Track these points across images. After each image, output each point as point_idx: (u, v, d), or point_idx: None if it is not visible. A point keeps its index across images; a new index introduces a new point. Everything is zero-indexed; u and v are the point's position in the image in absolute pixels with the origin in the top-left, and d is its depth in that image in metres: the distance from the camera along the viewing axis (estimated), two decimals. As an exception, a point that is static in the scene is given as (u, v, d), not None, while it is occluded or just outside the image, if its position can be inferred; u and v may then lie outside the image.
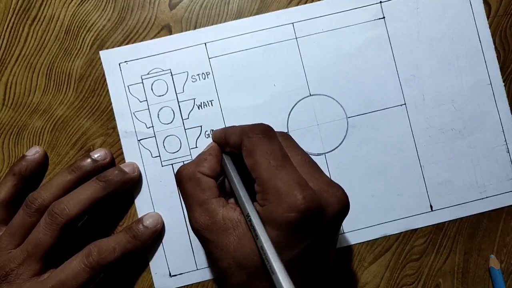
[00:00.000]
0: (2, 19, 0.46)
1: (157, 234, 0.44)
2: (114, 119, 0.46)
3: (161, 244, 0.45)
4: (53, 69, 0.46)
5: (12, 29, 0.46)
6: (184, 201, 0.37)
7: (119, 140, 0.46)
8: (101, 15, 0.46)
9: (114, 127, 0.46)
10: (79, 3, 0.46)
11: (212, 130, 0.45)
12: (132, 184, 0.45)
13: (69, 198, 0.41)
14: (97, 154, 0.44)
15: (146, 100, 0.46)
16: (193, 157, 0.45)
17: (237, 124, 0.44)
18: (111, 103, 0.46)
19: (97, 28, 0.46)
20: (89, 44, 0.46)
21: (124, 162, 0.45)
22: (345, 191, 0.34)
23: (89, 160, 0.44)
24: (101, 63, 0.46)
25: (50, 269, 0.41)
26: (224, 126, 0.45)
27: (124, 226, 0.45)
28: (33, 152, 0.44)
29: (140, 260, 0.45)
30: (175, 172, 0.38)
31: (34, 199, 0.42)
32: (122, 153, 0.46)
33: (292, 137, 0.38)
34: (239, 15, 0.46)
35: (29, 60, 0.46)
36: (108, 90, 0.46)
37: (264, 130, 0.35)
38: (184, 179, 0.36)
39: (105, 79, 0.46)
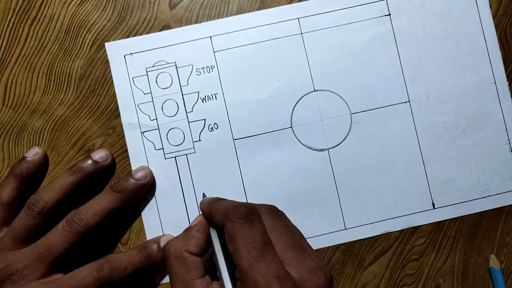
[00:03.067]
0: (2, 19, 0.46)
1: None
2: (114, 119, 0.46)
3: (162, 237, 0.45)
4: (53, 69, 0.46)
5: (12, 29, 0.46)
6: (169, 278, 0.37)
7: (119, 140, 0.46)
8: (101, 15, 0.46)
9: (114, 127, 0.46)
10: (79, 3, 0.46)
11: (204, 195, 0.44)
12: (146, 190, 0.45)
13: (87, 209, 0.42)
14: (98, 155, 0.44)
15: (151, 93, 0.46)
16: (196, 151, 0.45)
17: (242, 117, 0.45)
18: (111, 103, 0.46)
19: (97, 28, 0.46)
20: (89, 44, 0.46)
21: (124, 160, 0.46)
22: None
23: (90, 161, 0.44)
24: (101, 62, 0.46)
25: (55, 273, 0.41)
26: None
27: (124, 221, 0.45)
28: (33, 154, 0.44)
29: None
30: (163, 246, 0.38)
31: (36, 201, 0.41)
32: (122, 153, 0.46)
33: (283, 212, 0.38)
34: (239, 14, 0.46)
35: (29, 60, 0.46)
36: (108, 90, 0.46)
37: (246, 214, 0.34)
38: (170, 257, 0.37)
39: (105, 79, 0.46)
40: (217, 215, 0.36)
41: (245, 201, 0.45)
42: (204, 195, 0.44)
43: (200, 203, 0.40)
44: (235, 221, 0.34)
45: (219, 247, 0.36)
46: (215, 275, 0.37)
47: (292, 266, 0.33)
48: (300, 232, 0.37)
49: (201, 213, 0.40)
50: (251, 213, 0.34)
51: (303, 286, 0.32)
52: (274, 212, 0.37)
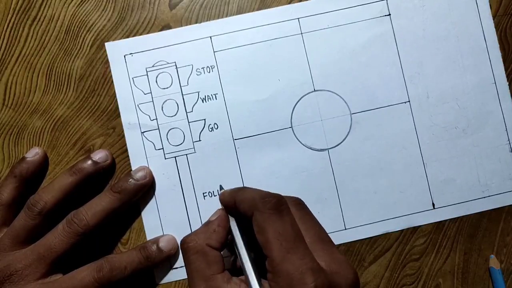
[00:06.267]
0: (2, 19, 0.46)
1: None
2: (114, 119, 0.46)
3: (162, 237, 0.45)
4: (53, 69, 0.46)
5: (12, 29, 0.46)
6: (187, 272, 0.36)
7: (119, 140, 0.46)
8: (101, 15, 0.46)
9: (114, 127, 0.46)
10: (79, 3, 0.46)
11: (222, 188, 0.44)
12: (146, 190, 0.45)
13: (87, 209, 0.42)
14: (98, 156, 0.44)
15: (151, 93, 0.46)
16: (196, 151, 0.45)
17: (242, 117, 0.45)
18: (111, 103, 0.46)
19: (97, 28, 0.46)
20: (89, 44, 0.46)
21: (124, 160, 0.46)
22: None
23: (90, 162, 0.43)
24: (101, 62, 0.46)
25: (54, 273, 0.41)
26: (233, 188, 0.40)
27: (124, 221, 0.45)
28: (33, 154, 0.44)
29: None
30: (180, 240, 0.37)
31: (36, 202, 0.41)
32: (122, 153, 0.46)
33: (306, 204, 0.37)
34: (239, 15, 0.46)
35: (29, 60, 0.46)
36: (108, 90, 0.46)
37: (275, 205, 0.34)
38: (190, 251, 0.36)
39: (105, 79, 0.46)
40: (243, 204, 0.35)
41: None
42: (221, 187, 0.44)
43: (220, 194, 0.39)
44: (264, 212, 0.33)
45: (241, 241, 0.36)
46: (230, 271, 0.37)
47: (321, 259, 0.33)
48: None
49: (221, 206, 0.39)
50: (281, 203, 0.34)
51: (334, 279, 0.32)
52: (300, 204, 0.37)
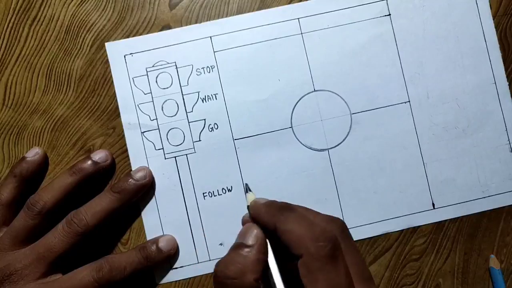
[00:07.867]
0: (2, 19, 0.46)
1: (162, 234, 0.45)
2: (114, 119, 0.46)
3: (162, 237, 0.45)
4: (53, 69, 0.46)
5: (12, 29, 0.46)
6: None
7: (119, 140, 0.46)
8: (101, 15, 0.46)
9: (114, 127, 0.46)
10: (79, 3, 0.46)
11: (248, 188, 0.42)
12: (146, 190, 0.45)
13: (87, 209, 0.42)
14: (98, 156, 0.44)
15: (151, 93, 0.46)
16: (196, 151, 0.45)
17: (242, 117, 0.46)
18: (111, 103, 0.46)
19: (97, 28, 0.46)
20: (89, 44, 0.46)
21: (124, 160, 0.46)
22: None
23: (89, 162, 0.43)
24: (101, 62, 0.46)
25: (54, 273, 0.41)
26: (265, 200, 0.37)
27: (124, 221, 0.45)
28: (33, 154, 0.44)
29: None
30: (215, 269, 0.32)
31: (35, 201, 0.42)
32: (122, 153, 0.46)
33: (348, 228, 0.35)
34: (239, 15, 0.46)
35: (29, 60, 0.46)
36: (108, 90, 0.46)
37: (331, 251, 0.31)
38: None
39: (105, 79, 0.46)
40: (289, 236, 0.32)
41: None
42: (248, 187, 0.42)
43: (252, 206, 0.36)
44: (319, 259, 0.30)
45: (277, 271, 0.33)
46: None
47: None
48: None
49: (252, 216, 0.37)
50: (336, 248, 0.31)
51: None
52: (345, 232, 0.34)
